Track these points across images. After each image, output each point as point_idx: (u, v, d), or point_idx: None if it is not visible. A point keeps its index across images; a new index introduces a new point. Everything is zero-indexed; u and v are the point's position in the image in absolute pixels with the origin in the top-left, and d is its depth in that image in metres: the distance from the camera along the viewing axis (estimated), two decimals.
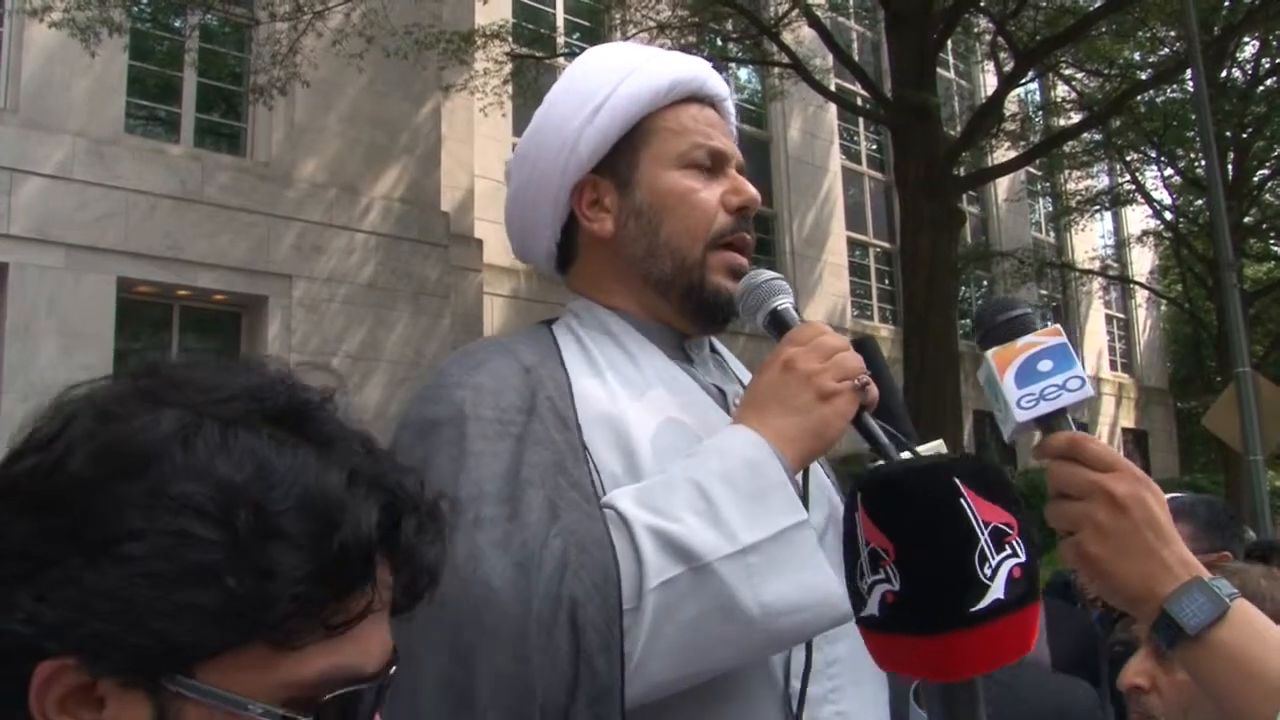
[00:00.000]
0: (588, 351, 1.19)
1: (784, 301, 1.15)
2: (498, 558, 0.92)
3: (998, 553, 0.79)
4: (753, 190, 1.23)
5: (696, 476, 0.98)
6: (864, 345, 1.31)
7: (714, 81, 1.29)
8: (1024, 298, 22.77)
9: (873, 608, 0.89)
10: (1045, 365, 0.99)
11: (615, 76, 1.23)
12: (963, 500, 0.80)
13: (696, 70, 1.27)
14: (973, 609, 0.77)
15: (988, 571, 0.78)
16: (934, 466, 0.86)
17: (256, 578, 0.58)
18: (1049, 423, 0.99)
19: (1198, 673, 0.90)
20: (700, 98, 1.27)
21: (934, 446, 1.18)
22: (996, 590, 0.78)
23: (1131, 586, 0.92)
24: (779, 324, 1.14)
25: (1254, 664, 0.87)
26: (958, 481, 0.82)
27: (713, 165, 1.23)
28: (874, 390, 1.07)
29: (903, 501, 0.84)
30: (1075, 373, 0.98)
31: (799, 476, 1.08)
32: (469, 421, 1.04)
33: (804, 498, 1.08)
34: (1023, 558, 0.82)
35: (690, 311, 1.22)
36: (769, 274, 1.17)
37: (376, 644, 0.65)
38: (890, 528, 0.84)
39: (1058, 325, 1.04)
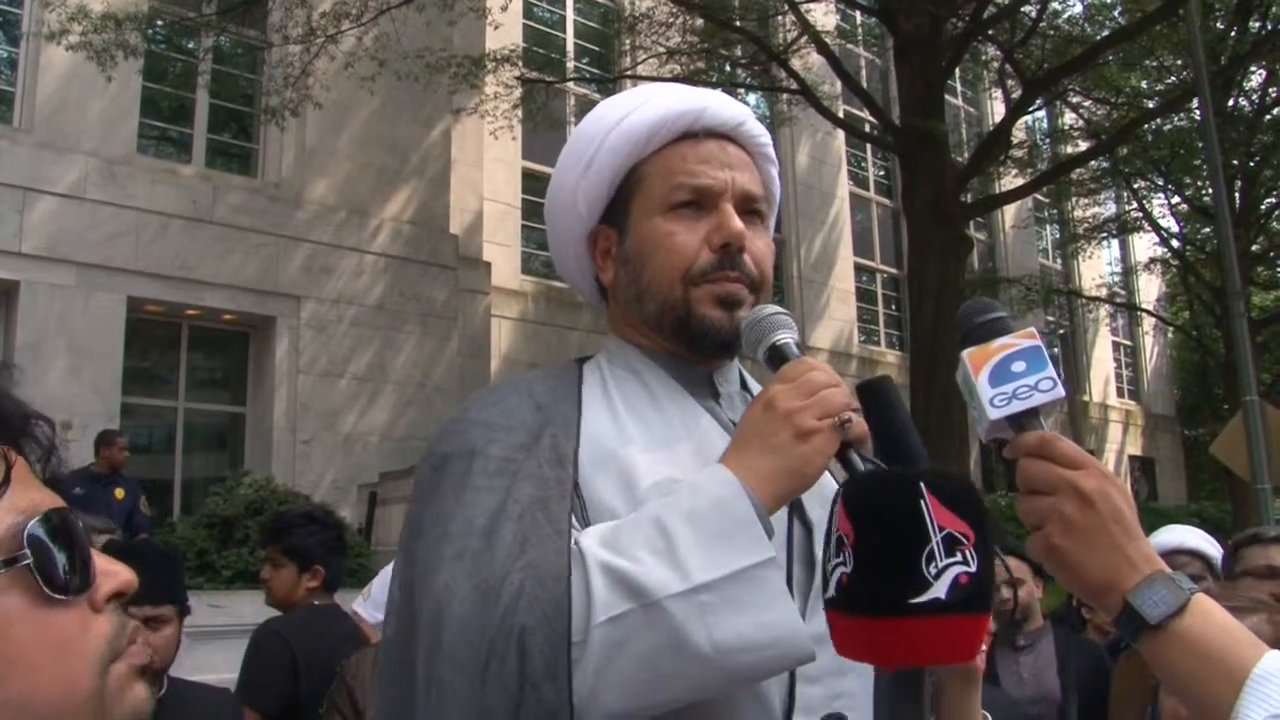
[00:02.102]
0: (608, 391, 1.23)
1: (784, 336, 1.15)
2: (465, 587, 0.98)
3: (947, 557, 0.83)
4: (735, 225, 1.20)
5: (662, 515, 1.00)
6: (876, 386, 1.30)
7: (716, 111, 1.27)
8: (1031, 324, 22.67)
9: (832, 589, 0.95)
10: (1019, 366, 1.02)
11: (603, 130, 1.27)
12: (923, 502, 0.84)
13: (688, 105, 1.26)
14: (911, 601, 0.81)
15: (933, 571, 0.82)
16: (906, 471, 0.92)
17: None
18: (1021, 422, 1.02)
19: (1159, 662, 0.93)
20: (697, 132, 1.26)
21: None
22: (938, 590, 0.82)
23: (1096, 578, 0.95)
24: (778, 359, 1.14)
25: (1213, 652, 0.89)
26: (923, 485, 0.86)
27: (702, 202, 1.22)
28: (859, 427, 1.06)
29: (871, 492, 0.89)
30: (1047, 374, 1.01)
31: (785, 512, 1.08)
32: (476, 458, 1.10)
33: (790, 533, 1.09)
34: (973, 568, 0.84)
35: (686, 344, 1.23)
36: (773, 308, 1.17)
37: (35, 497, 0.74)
38: (855, 515, 0.89)
39: (1033, 328, 1.07)
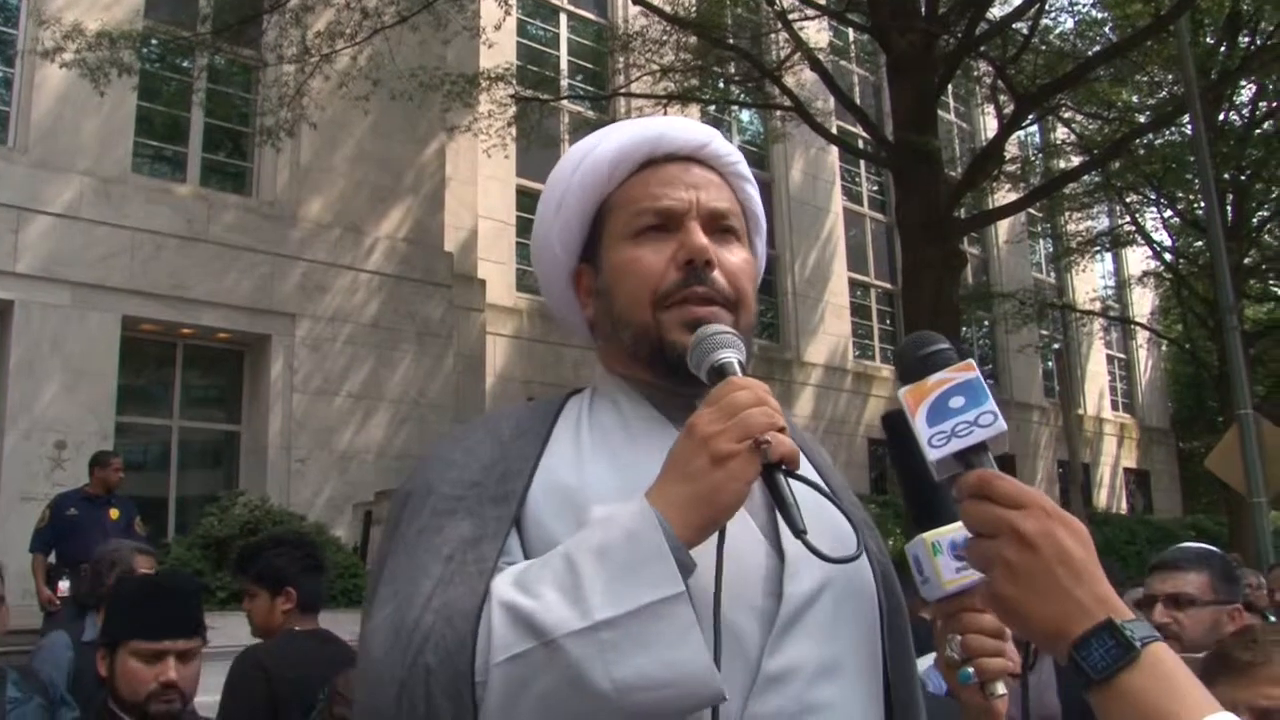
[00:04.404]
0: (580, 423, 1.22)
1: (725, 355, 1.10)
2: (384, 630, 1.01)
3: None
4: (698, 241, 1.17)
5: (572, 550, 0.98)
6: (900, 416, 1.24)
7: (675, 135, 1.26)
8: (1025, 338, 22.92)
9: None
10: (957, 402, 0.98)
11: (570, 170, 1.27)
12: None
13: (645, 133, 1.26)
14: None
15: None
16: None
17: None
18: (969, 459, 0.96)
19: (1104, 718, 0.86)
20: (658, 158, 1.25)
21: (956, 528, 1.11)
22: None
23: (1044, 627, 0.89)
24: (717, 379, 1.08)
25: (1150, 714, 0.82)
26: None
27: (667, 224, 1.20)
28: (783, 447, 1.00)
29: None
30: (988, 408, 0.97)
31: (757, 543, 1.07)
32: (430, 496, 1.12)
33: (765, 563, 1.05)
34: None
35: (664, 373, 1.20)
36: (718, 327, 1.13)
37: None
38: None
39: (970, 360, 1.01)
